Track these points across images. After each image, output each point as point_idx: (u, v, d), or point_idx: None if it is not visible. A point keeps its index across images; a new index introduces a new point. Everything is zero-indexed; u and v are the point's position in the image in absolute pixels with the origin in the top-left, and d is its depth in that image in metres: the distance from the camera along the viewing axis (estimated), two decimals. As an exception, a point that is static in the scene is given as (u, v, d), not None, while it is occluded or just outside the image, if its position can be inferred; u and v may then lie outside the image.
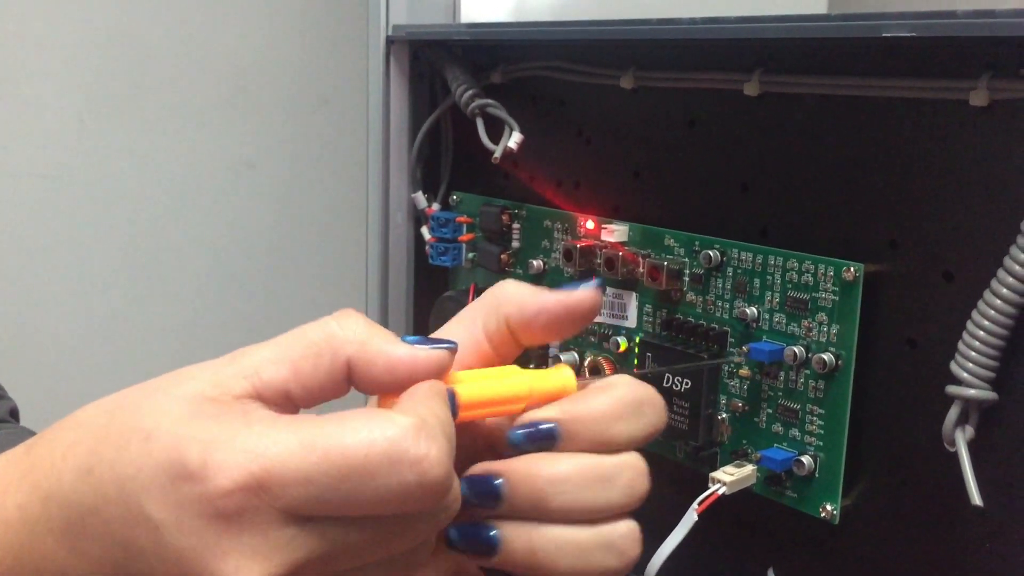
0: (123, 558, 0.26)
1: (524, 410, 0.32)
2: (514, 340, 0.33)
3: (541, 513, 0.31)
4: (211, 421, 0.26)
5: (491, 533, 0.31)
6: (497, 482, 0.30)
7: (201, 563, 0.25)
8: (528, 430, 0.31)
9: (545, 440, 0.31)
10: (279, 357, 0.28)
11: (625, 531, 0.32)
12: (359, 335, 0.29)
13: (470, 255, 0.61)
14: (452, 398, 0.30)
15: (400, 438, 0.26)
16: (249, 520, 0.25)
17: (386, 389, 0.29)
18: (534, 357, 0.55)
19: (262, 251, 0.98)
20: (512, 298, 0.33)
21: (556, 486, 0.30)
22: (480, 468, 0.31)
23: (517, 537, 0.31)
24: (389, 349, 0.29)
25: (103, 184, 0.88)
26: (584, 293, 0.33)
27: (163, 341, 0.93)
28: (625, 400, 0.32)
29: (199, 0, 0.90)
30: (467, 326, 0.33)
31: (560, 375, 0.34)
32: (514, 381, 0.32)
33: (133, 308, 0.92)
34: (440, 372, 0.30)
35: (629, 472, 0.31)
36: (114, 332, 0.91)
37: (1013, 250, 0.37)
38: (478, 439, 0.33)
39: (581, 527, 0.31)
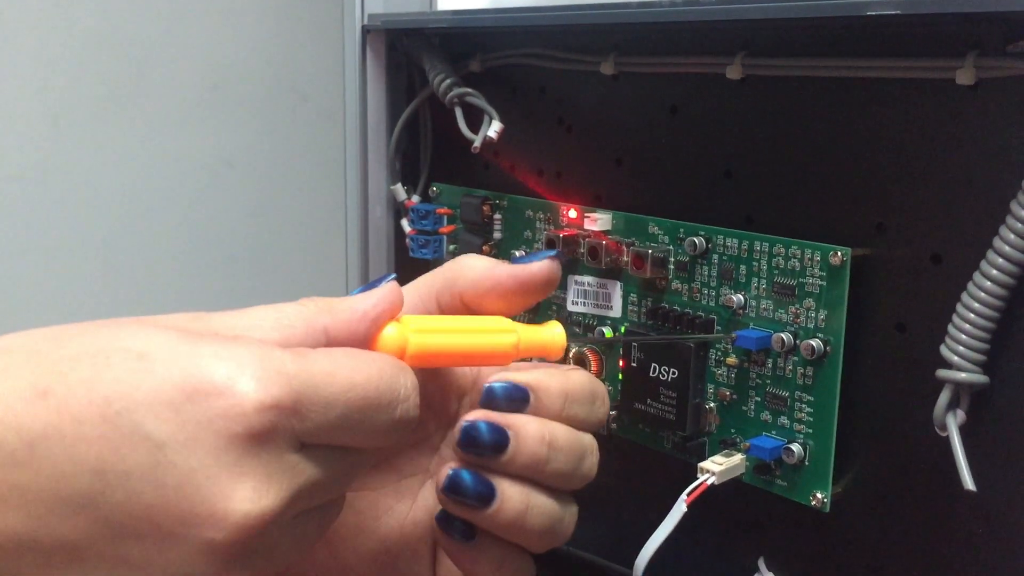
0: (90, 486, 0.24)
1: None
2: (468, 310, 0.34)
3: (535, 474, 0.32)
4: (218, 344, 0.25)
5: (490, 485, 0.32)
6: (509, 433, 0.32)
7: (212, 485, 0.24)
8: (507, 386, 0.32)
9: (520, 400, 0.32)
10: (247, 327, 0.28)
11: (575, 509, 0.34)
12: (321, 305, 0.30)
13: (451, 247, 0.60)
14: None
15: (392, 375, 0.28)
16: (272, 441, 0.25)
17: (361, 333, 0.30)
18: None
19: (244, 248, 0.96)
20: (467, 274, 0.34)
21: (554, 452, 0.32)
22: (480, 415, 0.32)
23: (514, 495, 0.32)
24: (352, 303, 0.30)
25: (79, 185, 0.86)
26: (539, 265, 0.34)
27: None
28: (585, 386, 0.34)
29: (173, -2, 0.89)
30: (422, 296, 0.34)
31: (551, 331, 0.34)
32: (504, 336, 0.33)
33: (110, 309, 0.90)
34: (398, 299, 0.30)
35: (594, 453, 0.34)
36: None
37: (1002, 231, 0.36)
38: (448, 386, 0.35)
39: (556, 497, 0.33)
